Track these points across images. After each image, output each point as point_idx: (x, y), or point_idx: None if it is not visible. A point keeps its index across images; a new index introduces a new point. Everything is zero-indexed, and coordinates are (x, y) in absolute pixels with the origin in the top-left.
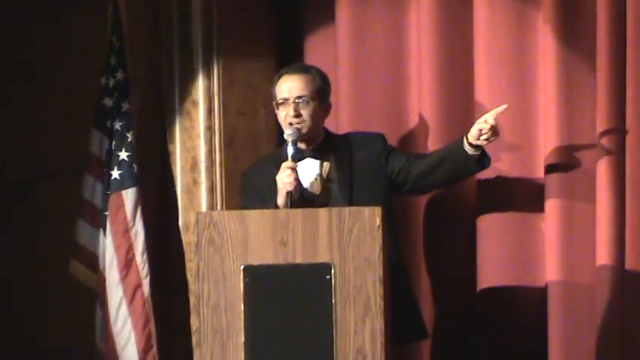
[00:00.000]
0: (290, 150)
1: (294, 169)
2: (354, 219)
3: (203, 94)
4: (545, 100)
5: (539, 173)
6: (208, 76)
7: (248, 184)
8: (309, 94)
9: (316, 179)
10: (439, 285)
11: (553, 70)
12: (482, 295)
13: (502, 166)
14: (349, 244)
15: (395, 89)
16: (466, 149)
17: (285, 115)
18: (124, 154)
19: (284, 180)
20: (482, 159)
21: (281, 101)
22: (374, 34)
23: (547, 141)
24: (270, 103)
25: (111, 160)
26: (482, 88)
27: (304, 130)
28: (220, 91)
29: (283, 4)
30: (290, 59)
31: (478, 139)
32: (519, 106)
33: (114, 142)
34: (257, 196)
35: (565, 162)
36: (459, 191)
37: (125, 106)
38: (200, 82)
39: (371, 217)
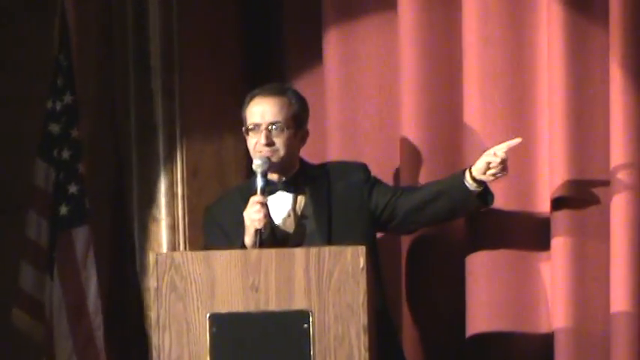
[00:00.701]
0: (259, 182)
1: (263, 204)
2: (335, 260)
3: (163, 118)
4: (551, 121)
5: (542, 206)
6: (169, 97)
7: (211, 221)
8: (284, 120)
9: (289, 215)
10: (424, 331)
11: (560, 86)
12: (472, 343)
13: (496, 196)
14: (329, 289)
15: (389, 114)
16: (467, 184)
17: (255, 143)
18: (73, 188)
19: (252, 217)
20: (484, 195)
21: (251, 126)
22: (365, 54)
23: (553, 170)
24: (240, 128)
25: (58, 194)
26: (473, 109)
27: (275, 160)
28: (183, 114)
29: (256, 17)
30: (266, 79)
31: (484, 173)
32: (517, 127)
33: (62, 174)
34: (221, 235)
35: (574, 194)
36: (446, 225)
37: (74, 133)
38: (160, 105)
39: (354, 257)
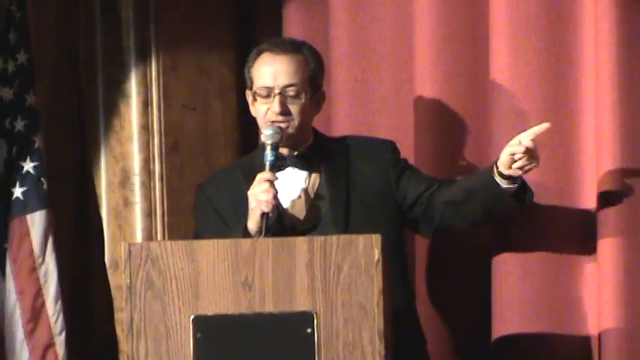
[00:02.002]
0: (269, 156)
1: (272, 183)
2: (345, 251)
3: (136, 81)
4: (597, 94)
5: (584, 197)
6: (143, 56)
7: (204, 202)
8: (301, 83)
9: (300, 197)
10: (444, 335)
11: (609, 42)
12: (499, 348)
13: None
14: (337, 287)
15: (408, 75)
16: (497, 181)
17: (265, 111)
18: (28, 165)
19: (259, 197)
20: (522, 193)
21: (261, 91)
22: (379, 2)
23: (600, 156)
24: (227, 93)
25: (11, 172)
26: (502, 68)
27: (291, 131)
28: (160, 77)
29: None
30: (259, 36)
31: (510, 167)
32: (555, 93)
33: (15, 148)
34: (217, 219)
35: (624, 186)
36: None
37: (30, 99)
38: (132, 66)
39: (367, 248)
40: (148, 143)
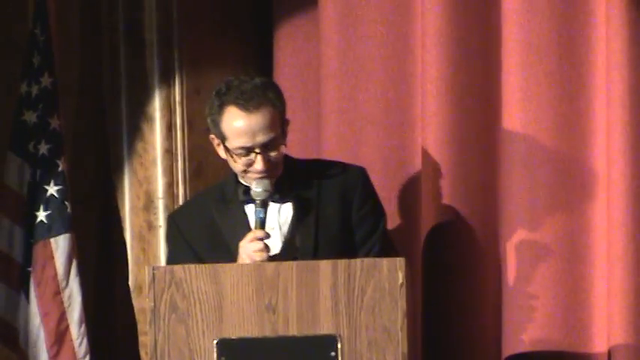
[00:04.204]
0: (260, 214)
1: (264, 240)
2: (369, 275)
3: (160, 104)
4: (609, 116)
5: (596, 216)
6: (167, 79)
7: (176, 233)
8: (277, 133)
9: (272, 228)
10: (452, 342)
11: (621, 62)
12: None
13: (541, 191)
14: (361, 309)
15: (397, 94)
16: None
17: (245, 165)
18: (52, 189)
19: (254, 257)
20: None
21: (239, 151)
22: (368, 20)
23: (611, 162)
24: None
25: (35, 196)
26: (513, 88)
27: (275, 178)
28: (184, 100)
29: None
30: (266, 55)
31: None
32: (566, 111)
33: (39, 172)
34: (189, 252)
35: (635, 203)
36: (476, 223)
37: (54, 123)
38: (156, 89)
39: (391, 271)
40: (171, 167)
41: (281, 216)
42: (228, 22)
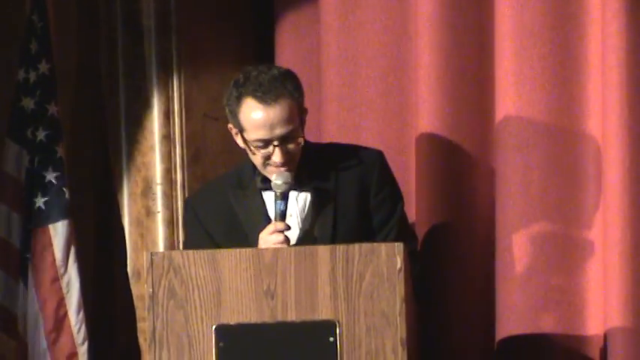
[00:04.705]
0: (279, 205)
1: (284, 232)
2: (367, 260)
3: (158, 91)
4: (604, 99)
5: (589, 201)
6: (165, 66)
7: (194, 219)
8: (295, 124)
9: (290, 216)
10: (450, 337)
11: (617, 45)
12: (503, 349)
13: (535, 179)
14: (360, 295)
15: (396, 79)
16: None
17: (264, 158)
18: (51, 175)
19: (272, 247)
20: None
21: (258, 143)
22: (368, 6)
23: (606, 150)
24: None
25: (33, 182)
26: (506, 73)
27: (293, 170)
28: (181, 87)
29: None
30: (266, 41)
31: None
32: (560, 95)
33: (37, 158)
34: (206, 239)
35: (631, 178)
36: (471, 211)
37: (52, 109)
38: (154, 76)
39: (389, 256)
40: (169, 153)
41: (299, 204)
42: (228, 9)
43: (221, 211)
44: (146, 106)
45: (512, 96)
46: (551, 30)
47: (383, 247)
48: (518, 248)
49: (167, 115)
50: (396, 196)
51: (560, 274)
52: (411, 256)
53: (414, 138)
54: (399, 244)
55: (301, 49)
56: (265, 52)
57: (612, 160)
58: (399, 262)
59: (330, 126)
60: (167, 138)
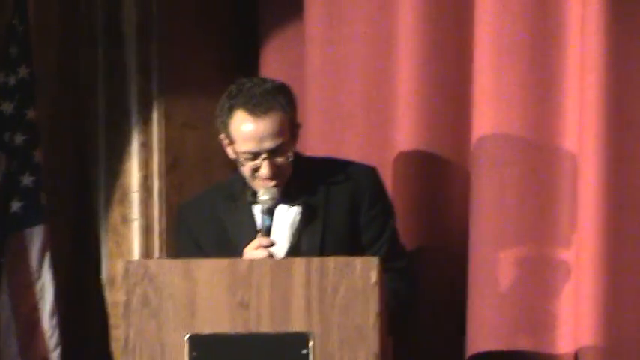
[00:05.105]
0: (265, 221)
1: (268, 247)
2: (342, 273)
3: (137, 98)
4: (582, 118)
5: (564, 218)
6: (145, 74)
7: (184, 229)
8: (285, 139)
9: (278, 230)
10: (420, 353)
11: (596, 64)
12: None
13: (509, 192)
14: (334, 308)
15: (378, 94)
16: None
17: (252, 170)
18: (27, 180)
19: (248, 258)
20: None
21: (246, 155)
22: (352, 20)
23: (582, 163)
24: None
25: (10, 187)
26: (484, 89)
27: (281, 185)
28: (161, 94)
29: None
30: (247, 52)
31: None
32: (539, 112)
33: (14, 163)
34: (195, 249)
35: (606, 191)
36: (444, 224)
37: (30, 114)
38: (133, 82)
39: (364, 270)
40: (147, 161)
41: (288, 219)
42: (210, 18)
43: (211, 221)
44: (125, 112)
45: (488, 113)
46: (529, 48)
47: (358, 261)
48: (491, 265)
49: (146, 122)
50: (387, 213)
51: (533, 292)
52: (400, 274)
53: (393, 153)
54: (374, 258)
55: (285, 62)
56: (248, 63)
57: (588, 178)
58: (374, 276)
59: (312, 139)
60: (145, 145)
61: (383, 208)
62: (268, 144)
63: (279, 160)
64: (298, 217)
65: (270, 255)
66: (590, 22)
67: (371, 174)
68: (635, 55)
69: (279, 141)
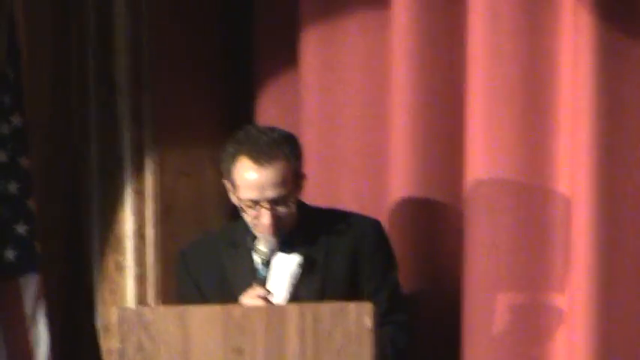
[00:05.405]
0: (262, 272)
1: (265, 297)
2: (336, 319)
3: (130, 145)
4: (574, 156)
5: (556, 232)
6: (138, 121)
7: (185, 273)
8: (288, 189)
9: (277, 279)
10: None
11: (589, 106)
12: None
13: (500, 211)
14: (329, 354)
15: (374, 139)
16: None
17: (254, 218)
18: (21, 228)
19: (243, 305)
20: None
21: (248, 202)
22: (347, 66)
23: (575, 184)
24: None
25: (3, 235)
26: (477, 142)
27: (282, 234)
28: (154, 141)
29: (233, 29)
30: (241, 99)
31: None
32: (529, 162)
33: (7, 211)
34: (196, 294)
35: (598, 220)
36: (437, 232)
37: (23, 162)
38: (126, 129)
39: (358, 316)
40: (141, 208)
41: (288, 268)
42: (204, 65)
43: (212, 266)
44: (118, 160)
45: (482, 158)
46: (522, 93)
47: (352, 306)
48: (484, 311)
49: (139, 170)
50: (389, 266)
51: (527, 337)
52: (400, 328)
53: (388, 198)
54: (367, 303)
55: (281, 108)
56: (242, 109)
57: (581, 223)
58: (368, 322)
59: (308, 184)
60: (139, 193)
61: (384, 262)
62: (271, 193)
63: (281, 209)
64: (298, 267)
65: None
66: (583, 66)
67: (374, 226)
68: (626, 98)
69: (281, 191)
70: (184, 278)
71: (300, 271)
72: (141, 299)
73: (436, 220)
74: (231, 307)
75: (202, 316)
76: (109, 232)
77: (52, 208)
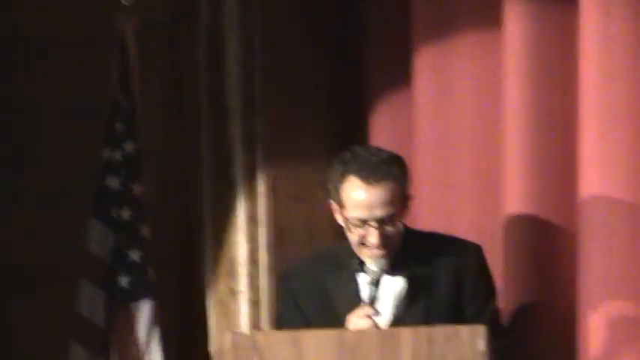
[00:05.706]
0: (372, 292)
1: (373, 317)
2: (450, 343)
3: (243, 171)
4: None
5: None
6: (249, 146)
7: (288, 295)
8: (396, 209)
9: (382, 301)
10: None
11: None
12: None
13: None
14: None
15: (488, 162)
16: None
17: (361, 237)
18: (134, 254)
19: (356, 329)
20: None
21: (355, 221)
22: (460, 91)
23: None
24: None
25: (117, 261)
26: (591, 163)
27: (390, 256)
28: (266, 166)
29: (344, 54)
30: (353, 123)
31: None
32: None
33: (121, 238)
34: (299, 315)
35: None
36: None
37: (136, 189)
38: (239, 154)
39: (472, 339)
40: (254, 233)
41: (393, 290)
42: (315, 89)
43: (315, 288)
44: (231, 186)
45: (595, 178)
46: (636, 113)
47: (466, 330)
48: (599, 331)
49: (252, 194)
50: (488, 291)
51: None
52: (500, 354)
53: (502, 220)
54: (481, 326)
55: (393, 133)
56: (354, 133)
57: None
58: (481, 344)
59: (423, 209)
60: (252, 218)
61: (484, 287)
62: (379, 212)
63: (389, 229)
64: (403, 289)
65: (375, 325)
66: None
67: (475, 251)
68: None
69: (389, 210)
70: (286, 300)
71: (405, 293)
72: (254, 324)
73: (550, 242)
74: (345, 332)
75: (316, 340)
76: (222, 257)
77: (165, 234)
